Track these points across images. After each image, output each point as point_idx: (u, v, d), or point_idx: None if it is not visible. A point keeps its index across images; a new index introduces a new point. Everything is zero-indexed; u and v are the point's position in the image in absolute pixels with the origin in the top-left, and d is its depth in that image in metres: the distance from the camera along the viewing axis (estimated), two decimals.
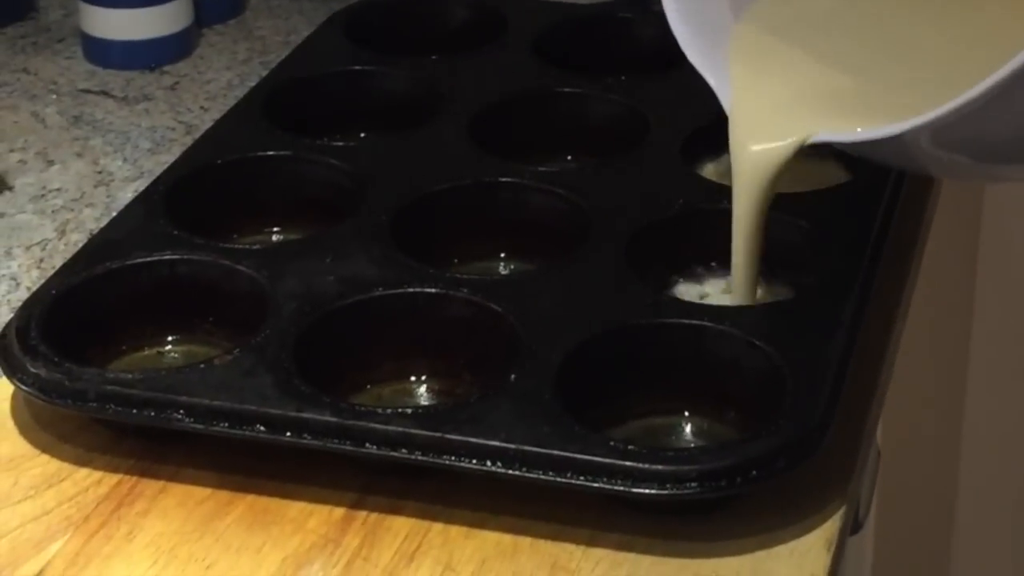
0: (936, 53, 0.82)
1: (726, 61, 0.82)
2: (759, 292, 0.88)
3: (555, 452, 0.76)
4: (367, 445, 0.77)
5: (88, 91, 1.21)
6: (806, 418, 0.78)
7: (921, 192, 1.05)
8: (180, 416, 0.79)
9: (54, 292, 0.87)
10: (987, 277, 1.52)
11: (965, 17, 0.84)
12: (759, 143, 0.80)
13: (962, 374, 1.57)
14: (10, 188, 1.08)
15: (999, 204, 1.48)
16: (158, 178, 0.99)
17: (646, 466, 0.74)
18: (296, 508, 0.79)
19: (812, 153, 0.96)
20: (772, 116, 0.80)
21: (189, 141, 1.12)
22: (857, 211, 0.93)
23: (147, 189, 0.97)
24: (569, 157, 1.04)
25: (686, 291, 0.91)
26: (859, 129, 0.76)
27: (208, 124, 1.14)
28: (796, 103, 0.79)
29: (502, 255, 0.95)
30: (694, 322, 0.84)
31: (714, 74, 0.81)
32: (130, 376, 0.81)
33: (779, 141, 0.79)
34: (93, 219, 1.04)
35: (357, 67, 1.11)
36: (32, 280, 0.98)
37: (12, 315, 0.92)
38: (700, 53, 0.82)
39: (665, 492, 0.74)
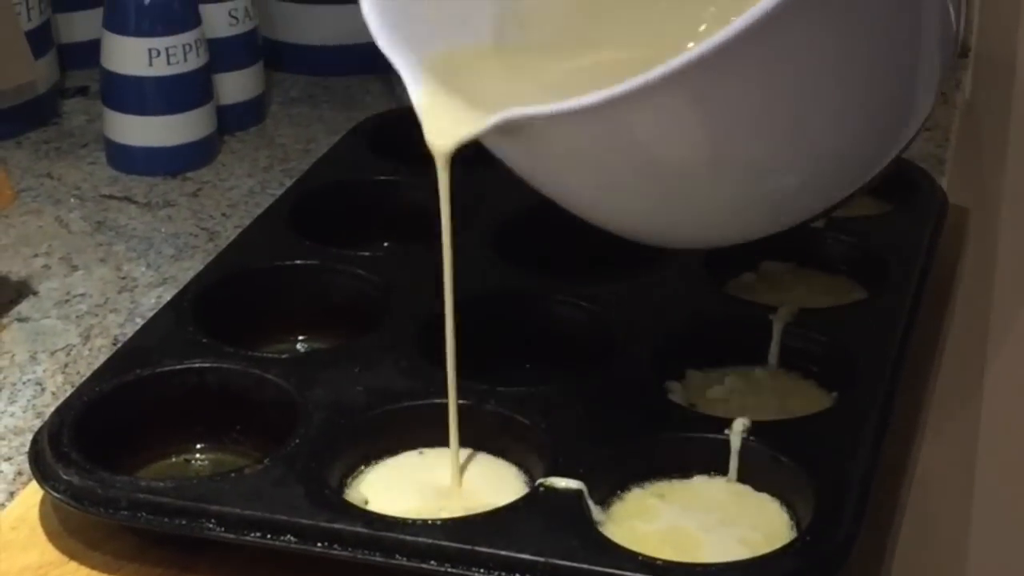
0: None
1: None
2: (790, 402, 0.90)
3: (584, 566, 0.76)
4: (397, 557, 0.78)
5: (111, 197, 1.23)
6: (832, 534, 0.78)
7: (938, 307, 1.06)
8: (211, 525, 0.80)
9: (85, 399, 0.88)
10: (994, 392, 1.53)
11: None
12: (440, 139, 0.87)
13: (969, 490, 1.58)
14: (35, 293, 1.09)
15: (1007, 321, 1.50)
16: (187, 285, 1.00)
17: None
18: None
19: (832, 270, 1.02)
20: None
21: (211, 247, 1.13)
22: (877, 326, 0.95)
23: (176, 296, 0.99)
24: (592, 267, 1.05)
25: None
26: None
27: (230, 230, 1.15)
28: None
29: (527, 365, 0.96)
30: (718, 437, 0.85)
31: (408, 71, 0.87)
32: (162, 485, 0.82)
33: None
34: (117, 325, 1.05)
35: (381, 177, 1.12)
36: (57, 385, 0.98)
37: (38, 420, 0.93)
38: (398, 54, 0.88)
39: None
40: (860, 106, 0.77)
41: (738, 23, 0.70)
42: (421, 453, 0.88)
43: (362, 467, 0.86)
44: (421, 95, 0.87)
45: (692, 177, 0.78)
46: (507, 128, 0.79)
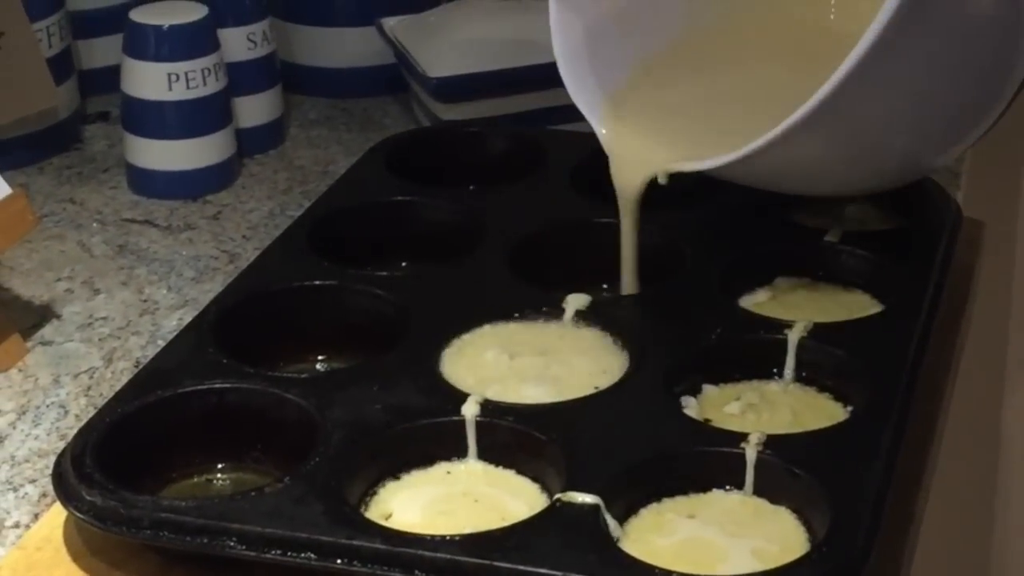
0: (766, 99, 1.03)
1: (603, 106, 1.04)
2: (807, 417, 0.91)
3: None
4: (416, 572, 0.79)
5: (132, 220, 1.24)
6: (847, 546, 0.79)
7: (953, 320, 1.07)
8: (233, 544, 0.81)
9: (108, 420, 0.89)
10: (1013, 403, 1.54)
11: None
12: (626, 178, 1.02)
13: (990, 502, 1.58)
14: (58, 317, 1.10)
15: None
16: (207, 307, 1.01)
17: None
18: None
19: (846, 284, 1.03)
20: (636, 156, 1.02)
21: (232, 269, 1.14)
22: (891, 340, 0.95)
23: (196, 318, 1.00)
24: (605, 286, 1.06)
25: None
26: (695, 162, 0.98)
27: (250, 252, 1.17)
28: (655, 145, 1.02)
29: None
30: (734, 450, 0.86)
31: (593, 116, 1.03)
32: (183, 504, 0.83)
33: (639, 176, 1.01)
34: (139, 347, 1.06)
35: (399, 198, 1.13)
36: (80, 408, 1.00)
37: (61, 442, 0.94)
38: (584, 101, 1.03)
39: None
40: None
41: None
42: (441, 467, 0.89)
43: (383, 483, 0.87)
44: (606, 138, 1.03)
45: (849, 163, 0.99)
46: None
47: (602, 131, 1.02)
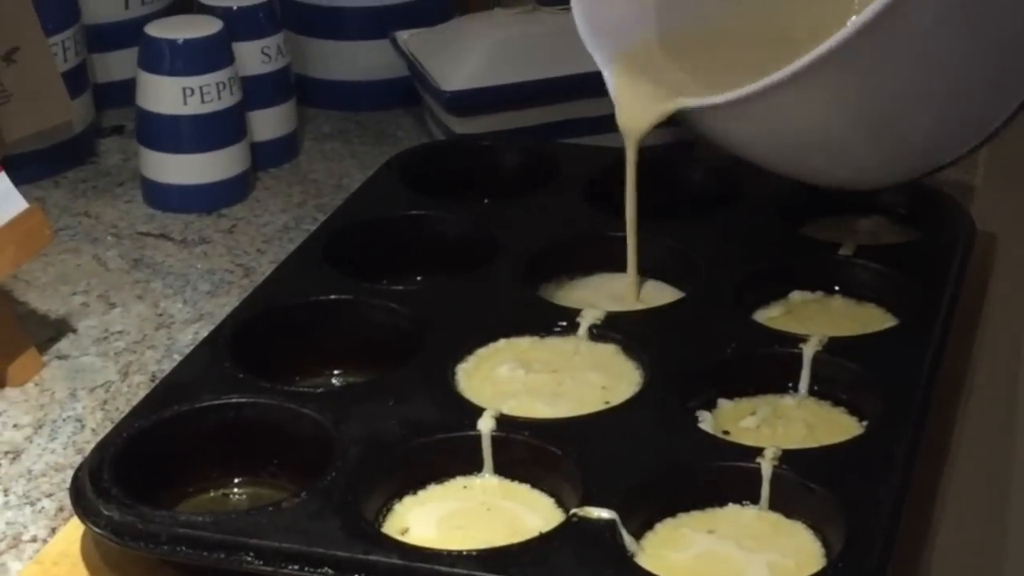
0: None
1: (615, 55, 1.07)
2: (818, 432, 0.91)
3: None
4: None
5: (148, 234, 1.24)
6: (863, 560, 0.79)
7: (967, 333, 1.07)
8: (250, 559, 0.81)
9: (124, 435, 0.89)
10: None
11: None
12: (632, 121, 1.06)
13: (1005, 515, 1.58)
14: (74, 331, 1.10)
15: None
16: (223, 321, 1.01)
17: None
18: None
19: (860, 298, 1.03)
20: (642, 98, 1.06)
21: (247, 283, 1.15)
22: (906, 354, 0.95)
23: (212, 332, 1.00)
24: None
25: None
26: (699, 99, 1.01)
27: (265, 266, 1.17)
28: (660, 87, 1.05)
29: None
30: (749, 465, 0.86)
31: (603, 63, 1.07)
32: (200, 519, 0.83)
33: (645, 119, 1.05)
34: (155, 361, 1.07)
35: (413, 211, 1.14)
36: (97, 421, 1.00)
37: (78, 456, 0.95)
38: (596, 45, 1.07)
39: None
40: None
41: None
42: (458, 482, 0.89)
43: (399, 498, 0.87)
44: (615, 85, 1.06)
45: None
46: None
47: (609, 72, 1.06)
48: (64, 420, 1.00)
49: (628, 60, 1.07)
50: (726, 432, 0.91)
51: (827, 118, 0.99)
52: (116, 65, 1.41)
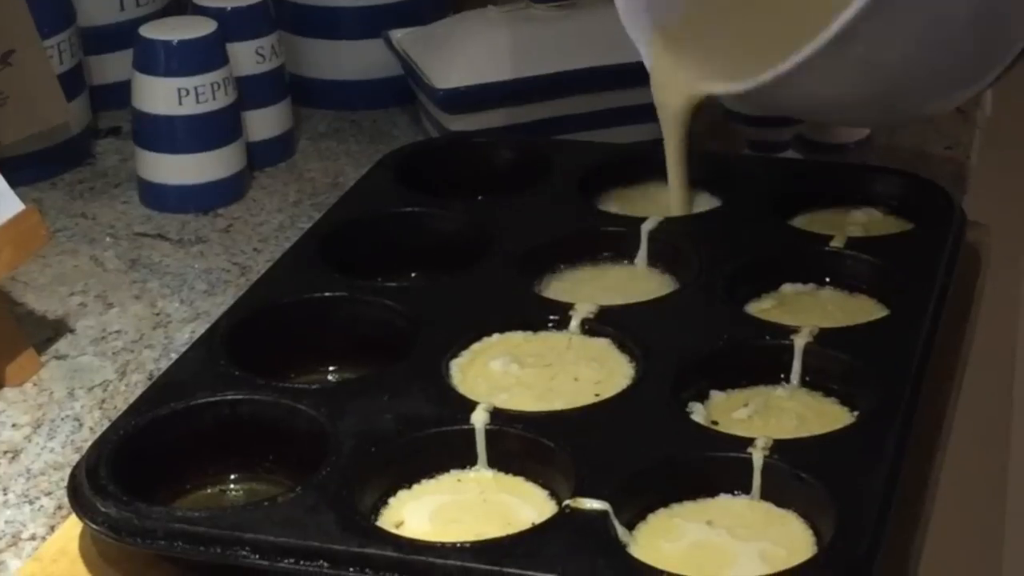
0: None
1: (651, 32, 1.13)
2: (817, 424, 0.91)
3: None
4: None
5: (144, 235, 1.25)
6: (853, 549, 0.80)
7: (959, 324, 1.08)
8: (246, 553, 0.82)
9: (122, 433, 0.90)
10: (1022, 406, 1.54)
11: None
12: (670, 99, 1.12)
13: (999, 504, 1.59)
14: (71, 331, 1.11)
15: None
16: (219, 320, 1.02)
17: None
18: None
19: (851, 289, 1.04)
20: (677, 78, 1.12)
21: (243, 282, 1.16)
22: (897, 344, 0.96)
23: (208, 331, 1.01)
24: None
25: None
26: (729, 85, 1.08)
27: (261, 265, 1.18)
28: (694, 68, 1.11)
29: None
30: (741, 455, 0.87)
31: (642, 42, 1.13)
32: (196, 514, 0.84)
33: (679, 97, 1.11)
34: (152, 360, 1.07)
35: (408, 209, 1.14)
36: (95, 420, 1.01)
37: (76, 455, 0.96)
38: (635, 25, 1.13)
39: None
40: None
41: None
42: (452, 475, 0.90)
43: (394, 492, 0.88)
44: (651, 65, 1.12)
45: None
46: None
47: (648, 53, 1.12)
48: (62, 419, 1.01)
49: (667, 37, 1.12)
50: (714, 422, 0.92)
51: (849, 86, 1.05)
52: (112, 67, 1.41)
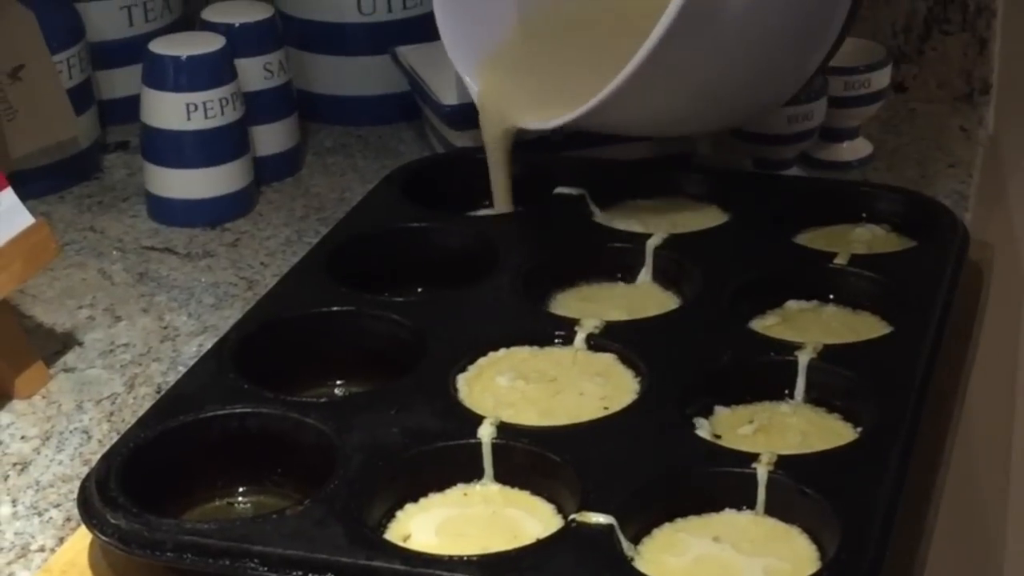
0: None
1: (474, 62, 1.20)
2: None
3: None
4: None
5: (152, 248, 1.26)
6: (857, 564, 0.80)
7: (961, 341, 1.08)
8: (254, 565, 0.82)
9: (131, 445, 0.90)
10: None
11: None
12: (488, 127, 1.18)
13: (1001, 520, 1.59)
14: (80, 344, 1.12)
15: None
16: (227, 333, 1.02)
17: None
18: None
19: (855, 306, 1.04)
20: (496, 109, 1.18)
21: (250, 296, 1.16)
22: (900, 361, 0.97)
23: (216, 344, 1.01)
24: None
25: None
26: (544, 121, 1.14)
27: (268, 279, 1.18)
28: (511, 100, 1.18)
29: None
30: (745, 471, 0.87)
31: (465, 72, 1.20)
32: (205, 526, 0.85)
33: (498, 128, 1.17)
34: (160, 373, 1.08)
35: (414, 224, 1.15)
36: (103, 433, 1.01)
37: (85, 467, 0.96)
38: (457, 56, 1.20)
39: None
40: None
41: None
42: (458, 489, 0.90)
43: (401, 505, 0.89)
44: (477, 93, 1.18)
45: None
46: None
47: (473, 85, 1.19)
48: (71, 432, 1.02)
49: (489, 68, 1.19)
50: (717, 436, 0.92)
51: (669, 103, 1.11)
52: (120, 82, 1.42)
